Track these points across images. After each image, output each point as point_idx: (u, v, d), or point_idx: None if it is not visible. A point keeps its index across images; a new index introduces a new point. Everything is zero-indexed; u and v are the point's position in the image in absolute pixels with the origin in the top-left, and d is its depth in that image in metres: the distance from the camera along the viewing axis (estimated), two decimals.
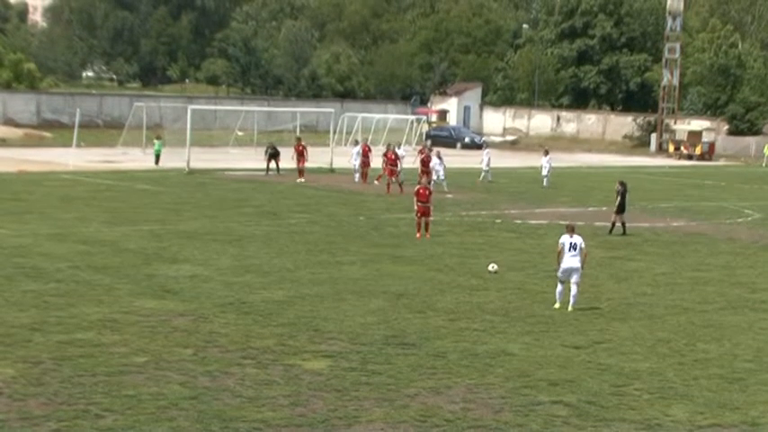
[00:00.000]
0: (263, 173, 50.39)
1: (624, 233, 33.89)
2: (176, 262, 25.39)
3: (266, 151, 52.01)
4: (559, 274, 21.82)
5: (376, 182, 47.35)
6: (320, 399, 15.00)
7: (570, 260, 21.54)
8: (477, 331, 19.46)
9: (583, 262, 21.75)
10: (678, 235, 34.87)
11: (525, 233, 33.62)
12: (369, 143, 52.32)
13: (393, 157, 45.69)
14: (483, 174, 51.96)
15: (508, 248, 30.10)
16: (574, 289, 21.63)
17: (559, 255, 21.75)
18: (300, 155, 48.79)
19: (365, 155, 49.32)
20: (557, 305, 21.75)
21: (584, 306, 22.12)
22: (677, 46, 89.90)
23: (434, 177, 44.32)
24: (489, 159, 52.62)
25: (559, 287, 21.83)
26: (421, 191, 31.54)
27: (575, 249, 21.57)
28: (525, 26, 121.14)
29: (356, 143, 52.67)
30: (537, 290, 23.75)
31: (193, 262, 25.47)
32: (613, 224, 34.22)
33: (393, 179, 44.87)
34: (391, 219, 35.66)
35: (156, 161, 54.84)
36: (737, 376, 17.15)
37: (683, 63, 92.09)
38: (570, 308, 21.55)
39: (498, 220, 36.59)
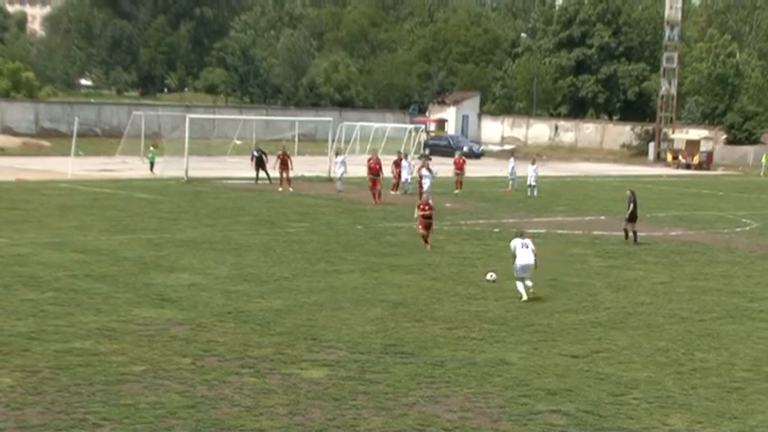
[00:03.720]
0: (253, 182, 50.36)
1: (636, 242, 33.91)
2: (174, 271, 25.37)
3: (252, 157, 52.02)
4: (518, 272, 23.67)
5: (392, 192, 47.22)
6: (318, 408, 14.98)
7: (525, 257, 23.52)
8: (476, 340, 19.45)
9: (535, 259, 23.61)
10: (676, 244, 34.87)
11: None
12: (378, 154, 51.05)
13: (377, 167, 45.10)
14: (510, 182, 52.63)
15: (506, 257, 30.00)
16: (529, 282, 23.61)
17: (514, 255, 23.70)
18: (283, 164, 48.49)
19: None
20: (524, 298, 23.32)
21: (583, 315, 22.14)
22: (675, 55, 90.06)
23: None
24: (514, 168, 53.61)
25: (519, 283, 23.64)
26: (422, 206, 31.15)
27: (527, 248, 23.71)
28: (523, 35, 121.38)
29: (337, 153, 52.22)
30: (535, 299, 23.73)
31: (191, 271, 25.45)
32: (626, 232, 34.31)
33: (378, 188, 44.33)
34: (389, 227, 35.65)
35: (151, 168, 55.55)
36: (736, 385, 17.14)
37: (681, 72, 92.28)
38: (525, 296, 23.34)
39: (497, 230, 36.58)
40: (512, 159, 56.13)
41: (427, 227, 31.08)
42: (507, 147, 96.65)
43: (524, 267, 23.52)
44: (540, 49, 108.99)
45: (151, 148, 57.81)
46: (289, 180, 48.29)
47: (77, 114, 72.23)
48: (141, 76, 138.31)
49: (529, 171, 50.84)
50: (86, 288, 22.77)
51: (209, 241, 30.59)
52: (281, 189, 47.38)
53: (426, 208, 30.99)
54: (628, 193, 35.12)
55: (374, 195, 43.79)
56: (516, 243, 23.77)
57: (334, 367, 17.12)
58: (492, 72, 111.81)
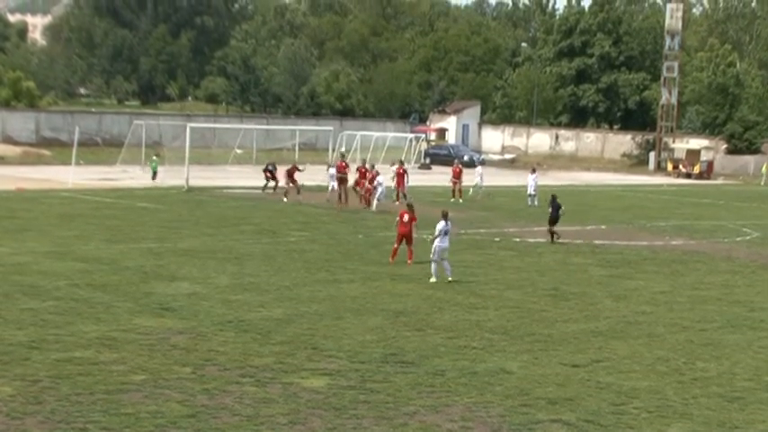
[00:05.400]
0: (271, 190, 50.61)
1: (552, 241, 35.41)
2: (175, 280, 25.36)
3: (265, 169, 52.26)
4: (435, 256, 26.42)
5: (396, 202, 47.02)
6: (319, 417, 14.96)
7: (444, 243, 26.40)
8: (476, 349, 19.44)
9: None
10: (677, 253, 34.87)
11: (524, 251, 33.63)
12: (366, 163, 50.77)
13: (344, 172, 45.31)
14: (472, 189, 52.66)
15: (507, 266, 30.08)
16: (446, 264, 26.44)
17: (436, 237, 26.43)
18: (289, 175, 48.69)
19: (362, 176, 47.38)
20: (433, 279, 26.23)
21: (583, 324, 22.14)
22: (676, 65, 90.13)
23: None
24: (482, 177, 53.76)
25: (434, 266, 26.41)
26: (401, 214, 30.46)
27: (446, 234, 26.48)
28: (524, 45, 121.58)
29: (329, 166, 52.17)
30: (536, 308, 23.75)
31: (192, 280, 25.45)
32: (552, 233, 35.71)
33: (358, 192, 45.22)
34: (390, 237, 35.55)
35: (153, 177, 55.52)
36: (737, 395, 17.13)
37: (681, 82, 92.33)
38: (449, 277, 26.21)
39: (497, 239, 36.58)
40: (479, 168, 56.10)
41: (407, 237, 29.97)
42: (508, 156, 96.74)
43: (442, 250, 26.41)
44: (540, 58, 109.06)
45: (154, 157, 57.82)
46: (275, 188, 49.37)
47: (78, 123, 72.14)
48: (142, 85, 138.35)
49: (528, 180, 50.78)
50: (87, 297, 22.76)
51: (209, 250, 30.58)
52: (285, 199, 47.06)
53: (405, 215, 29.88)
54: (549, 197, 36.54)
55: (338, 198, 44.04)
56: (441, 228, 26.39)
57: (335, 376, 17.11)
58: (492, 81, 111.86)
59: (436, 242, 26.49)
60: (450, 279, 26.27)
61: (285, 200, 47.22)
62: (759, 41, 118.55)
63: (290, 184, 48.27)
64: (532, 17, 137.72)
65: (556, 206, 35.70)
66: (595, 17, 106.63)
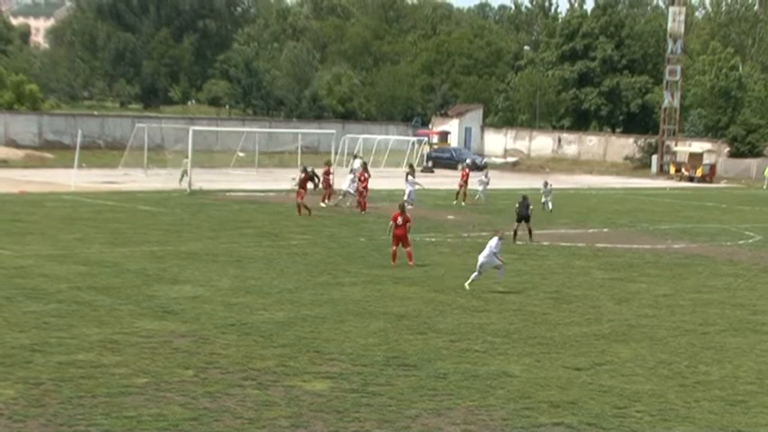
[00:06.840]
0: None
1: (515, 242, 35.81)
2: (177, 283, 25.37)
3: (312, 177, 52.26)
4: (477, 267, 26.41)
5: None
6: (321, 420, 14.96)
7: (484, 258, 26.25)
8: (478, 352, 19.44)
9: (494, 262, 26.45)
10: (679, 257, 34.85)
11: (526, 254, 33.61)
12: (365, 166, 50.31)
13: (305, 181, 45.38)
14: (478, 194, 52.36)
15: (509, 270, 29.99)
16: (476, 275, 26.26)
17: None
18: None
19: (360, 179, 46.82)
20: (466, 284, 26.19)
21: (585, 328, 22.13)
22: (678, 68, 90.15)
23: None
24: (487, 181, 53.48)
25: (475, 275, 26.25)
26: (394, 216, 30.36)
27: (489, 248, 26.27)
28: (526, 48, 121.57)
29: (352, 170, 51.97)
30: (538, 311, 23.74)
31: (194, 283, 25.45)
32: (515, 233, 36.45)
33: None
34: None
35: (182, 180, 53.75)
36: (739, 398, 17.11)
37: (683, 85, 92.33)
38: (467, 284, 26.08)
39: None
40: (486, 174, 55.32)
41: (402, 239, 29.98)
42: (510, 159, 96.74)
43: (483, 264, 26.27)
44: (542, 61, 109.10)
45: (185, 160, 56.18)
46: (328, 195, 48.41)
47: (81, 126, 72.34)
48: (144, 88, 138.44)
49: (542, 189, 50.00)
50: (89, 300, 22.77)
51: (211, 253, 30.59)
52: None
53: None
54: (520, 198, 37.46)
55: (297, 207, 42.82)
56: (491, 242, 26.50)
57: (337, 380, 17.11)
58: (495, 84, 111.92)
59: (481, 256, 26.44)
60: (466, 286, 26.06)
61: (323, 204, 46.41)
62: (762, 45, 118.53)
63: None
64: (535, 20, 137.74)
65: (525, 205, 36.74)
66: (598, 20, 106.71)
